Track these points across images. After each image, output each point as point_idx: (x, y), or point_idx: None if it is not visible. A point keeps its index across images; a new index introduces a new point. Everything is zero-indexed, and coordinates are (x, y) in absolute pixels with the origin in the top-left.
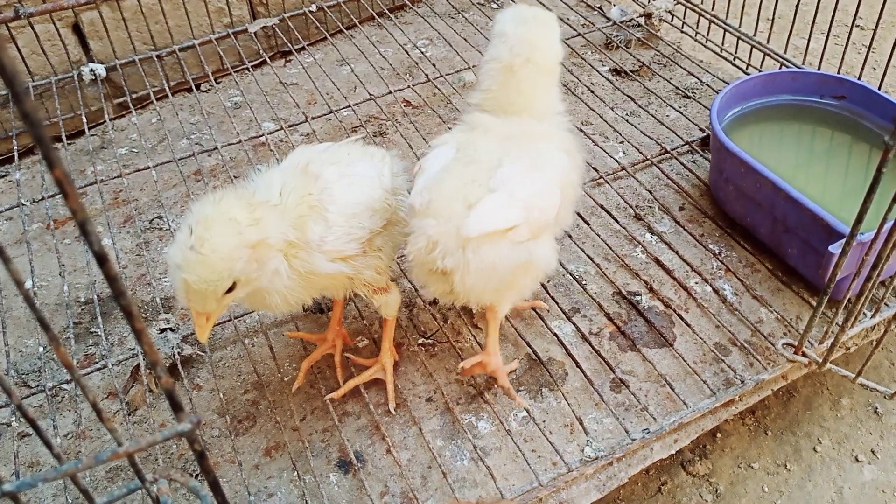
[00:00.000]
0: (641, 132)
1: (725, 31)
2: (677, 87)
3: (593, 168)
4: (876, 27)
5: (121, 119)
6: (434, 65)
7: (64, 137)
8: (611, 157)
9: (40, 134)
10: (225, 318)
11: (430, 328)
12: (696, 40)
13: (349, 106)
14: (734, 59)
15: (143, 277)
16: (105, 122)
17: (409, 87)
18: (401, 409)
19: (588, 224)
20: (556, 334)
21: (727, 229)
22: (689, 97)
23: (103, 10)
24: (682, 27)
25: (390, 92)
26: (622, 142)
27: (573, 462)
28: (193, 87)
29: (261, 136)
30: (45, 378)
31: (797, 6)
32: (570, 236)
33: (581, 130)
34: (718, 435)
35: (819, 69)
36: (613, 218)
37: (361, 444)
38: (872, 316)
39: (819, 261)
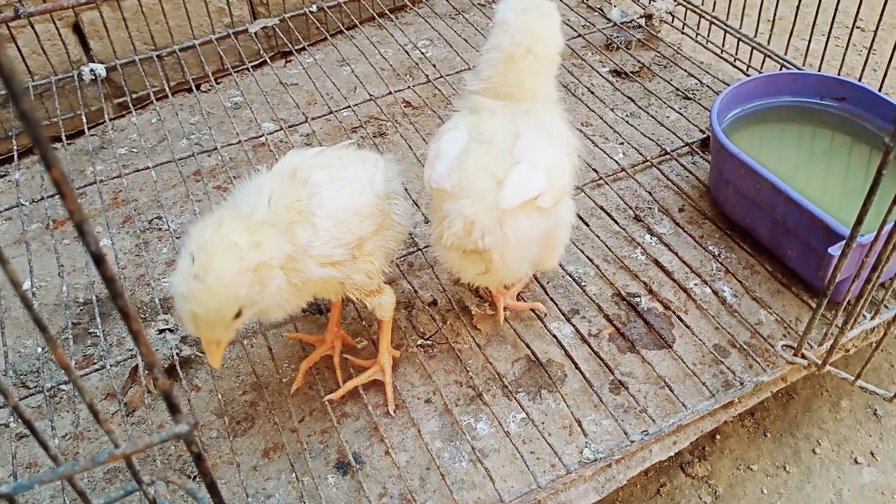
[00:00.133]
0: (641, 133)
1: (726, 32)
2: (677, 89)
3: (593, 169)
4: (877, 29)
5: (120, 119)
6: (434, 65)
7: (64, 137)
8: (611, 158)
9: (38, 134)
10: None
11: (428, 329)
12: (696, 41)
13: (349, 106)
14: (735, 61)
15: (142, 278)
16: (105, 122)
17: (409, 87)
18: (399, 410)
19: (588, 225)
20: (555, 336)
21: (727, 231)
22: (689, 98)
23: (104, 10)
24: (683, 28)
25: (390, 92)
26: (622, 143)
27: (572, 464)
28: (193, 88)
29: (261, 136)
30: (44, 379)
31: (798, 7)
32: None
33: (581, 131)
34: (718, 437)
35: (819, 70)
36: (613, 219)
37: (360, 446)
38: (872, 318)
39: (819, 262)
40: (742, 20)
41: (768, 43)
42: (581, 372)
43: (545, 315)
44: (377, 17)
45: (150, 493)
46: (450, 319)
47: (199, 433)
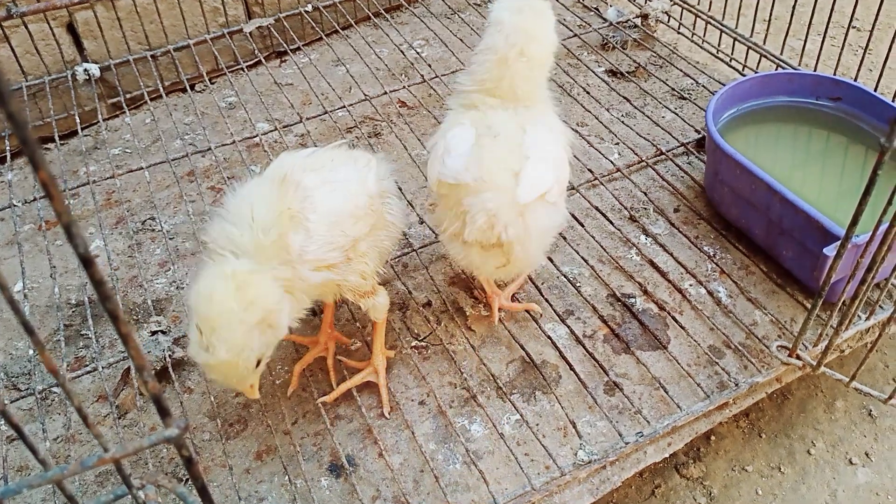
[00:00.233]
0: (637, 133)
1: (722, 32)
2: (673, 89)
3: (588, 169)
4: (872, 28)
5: (114, 119)
6: (430, 65)
7: (57, 137)
8: (606, 158)
9: (25, 135)
10: None
11: (423, 330)
12: (692, 41)
13: (344, 107)
14: (730, 61)
15: (135, 279)
16: (98, 122)
17: (404, 87)
18: (393, 412)
19: (582, 226)
20: (549, 337)
21: (722, 231)
22: (684, 98)
23: (98, 10)
24: (679, 28)
25: (385, 93)
26: (617, 143)
27: (566, 466)
28: (188, 88)
29: (255, 136)
30: (35, 381)
31: (794, 7)
32: (564, 238)
33: (576, 131)
34: (712, 438)
35: (815, 70)
36: (608, 220)
37: (353, 448)
38: (867, 319)
39: (814, 263)
40: (738, 20)
41: (764, 43)
42: (575, 373)
43: (540, 316)
44: (372, 17)
45: (140, 496)
46: (444, 321)
47: (191, 436)
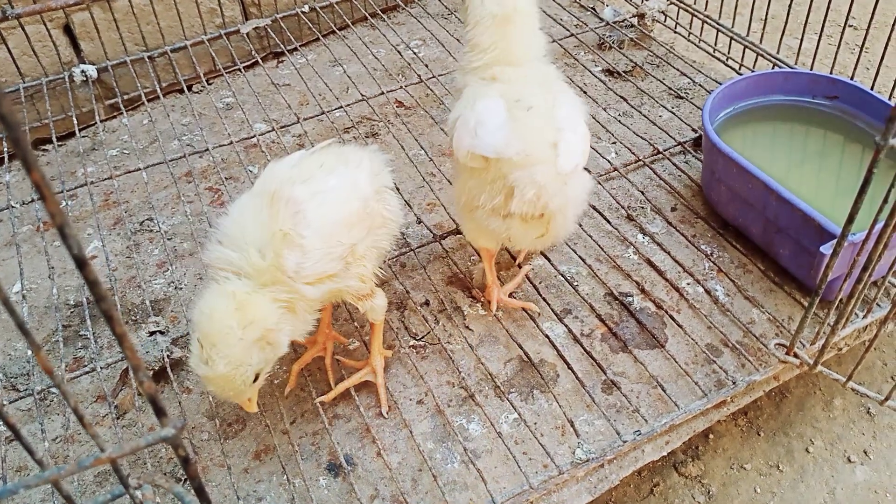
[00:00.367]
0: (634, 133)
1: (718, 31)
2: (670, 88)
3: (585, 169)
4: (868, 27)
5: (112, 120)
6: (427, 65)
7: (55, 139)
8: (603, 157)
9: (18, 136)
10: None
11: (421, 330)
12: (689, 40)
13: (341, 107)
14: (727, 60)
15: (133, 280)
16: (96, 123)
17: (401, 87)
18: (391, 411)
19: (580, 225)
20: (547, 336)
21: (719, 230)
22: (681, 97)
23: (94, 11)
24: (675, 27)
25: (383, 93)
26: (614, 142)
27: (564, 464)
28: (185, 89)
29: (252, 137)
30: (34, 382)
31: (790, 6)
32: None
33: None
34: (711, 436)
35: (812, 69)
36: (605, 219)
37: (352, 447)
38: (864, 317)
39: (811, 261)
40: (734, 19)
41: (760, 42)
42: (573, 372)
43: (538, 315)
44: (369, 18)
45: (137, 496)
46: (442, 320)
47: (189, 435)
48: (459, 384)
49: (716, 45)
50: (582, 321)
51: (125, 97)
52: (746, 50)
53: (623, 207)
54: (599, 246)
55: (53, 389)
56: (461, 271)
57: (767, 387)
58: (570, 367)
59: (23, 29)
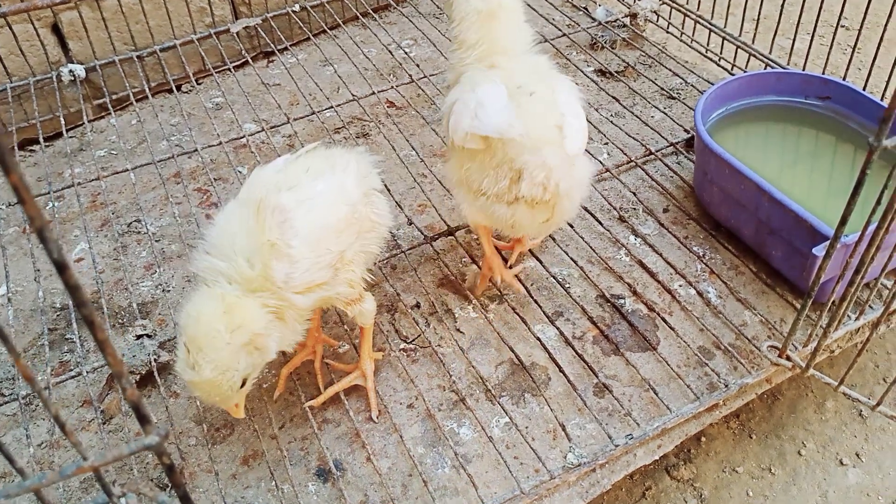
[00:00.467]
0: (626, 133)
1: (711, 31)
2: (662, 88)
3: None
4: (861, 27)
5: (100, 121)
6: (418, 65)
7: (42, 139)
8: (595, 158)
9: None
10: None
11: (411, 333)
12: (681, 41)
13: (332, 107)
14: (719, 60)
15: (121, 282)
16: (84, 123)
17: (392, 87)
18: (381, 416)
19: (572, 226)
20: (539, 338)
21: (711, 231)
22: (673, 98)
23: (83, 10)
24: (668, 27)
25: (374, 93)
26: (606, 143)
27: (556, 469)
28: (174, 88)
29: (242, 137)
30: (19, 386)
31: (782, 6)
32: (553, 238)
33: None
34: (703, 439)
35: (804, 69)
36: (597, 220)
37: (341, 452)
38: (857, 319)
39: (803, 263)
40: (727, 19)
41: (753, 42)
42: (565, 375)
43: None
44: (360, 17)
45: None
46: (433, 323)
47: (176, 440)
48: (450, 388)
49: (708, 45)
50: (574, 323)
51: (113, 97)
52: (739, 50)
53: (615, 209)
54: (591, 247)
55: None
56: (452, 273)
57: (760, 389)
58: (561, 371)
59: (10, 28)
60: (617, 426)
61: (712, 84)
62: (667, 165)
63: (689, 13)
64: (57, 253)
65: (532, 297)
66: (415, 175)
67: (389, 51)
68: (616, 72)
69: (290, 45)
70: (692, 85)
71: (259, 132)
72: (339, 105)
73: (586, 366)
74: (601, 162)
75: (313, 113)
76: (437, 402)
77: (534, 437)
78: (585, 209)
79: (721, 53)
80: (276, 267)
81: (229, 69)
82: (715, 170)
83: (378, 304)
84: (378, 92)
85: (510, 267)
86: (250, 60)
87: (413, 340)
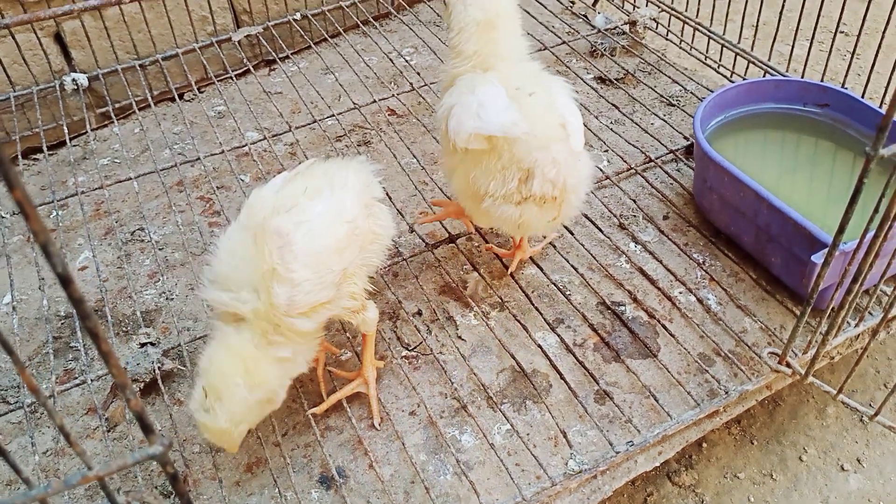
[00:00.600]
0: (626, 141)
1: (710, 38)
2: (662, 95)
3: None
4: (859, 34)
5: (103, 129)
6: (419, 73)
7: (45, 148)
8: (595, 165)
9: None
10: (206, 331)
11: (413, 340)
12: (680, 48)
13: (333, 115)
14: (718, 67)
15: (124, 291)
16: (87, 132)
17: (393, 95)
18: (383, 423)
19: (572, 234)
20: (540, 345)
21: (711, 238)
22: (673, 105)
23: (85, 20)
24: (667, 35)
25: (374, 101)
26: (606, 150)
27: (557, 476)
28: (176, 97)
29: (244, 145)
30: (24, 394)
31: (781, 13)
32: (553, 246)
33: None
34: (704, 445)
35: (803, 76)
36: (597, 227)
37: (344, 460)
38: (856, 325)
39: (802, 270)
40: (726, 26)
41: (752, 49)
42: (566, 382)
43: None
44: (361, 25)
45: None
46: (434, 330)
47: (180, 448)
48: (452, 395)
49: (707, 52)
50: (574, 331)
51: (116, 105)
52: (738, 57)
53: (615, 216)
54: (592, 255)
55: None
56: (453, 281)
57: (760, 396)
58: (562, 377)
59: (13, 37)
60: (618, 433)
61: (711, 91)
62: (666, 173)
63: (688, 20)
64: (61, 267)
65: (533, 305)
66: (416, 183)
67: (390, 59)
68: (616, 79)
69: (292, 54)
70: (691, 92)
71: (261, 140)
72: (341, 113)
73: (587, 373)
74: (601, 169)
75: (315, 121)
76: (438, 409)
77: (535, 443)
78: (586, 216)
79: (720, 60)
80: (278, 292)
81: (231, 77)
82: (714, 177)
83: (380, 311)
84: (379, 100)
85: (511, 274)
86: (252, 69)
87: (415, 348)
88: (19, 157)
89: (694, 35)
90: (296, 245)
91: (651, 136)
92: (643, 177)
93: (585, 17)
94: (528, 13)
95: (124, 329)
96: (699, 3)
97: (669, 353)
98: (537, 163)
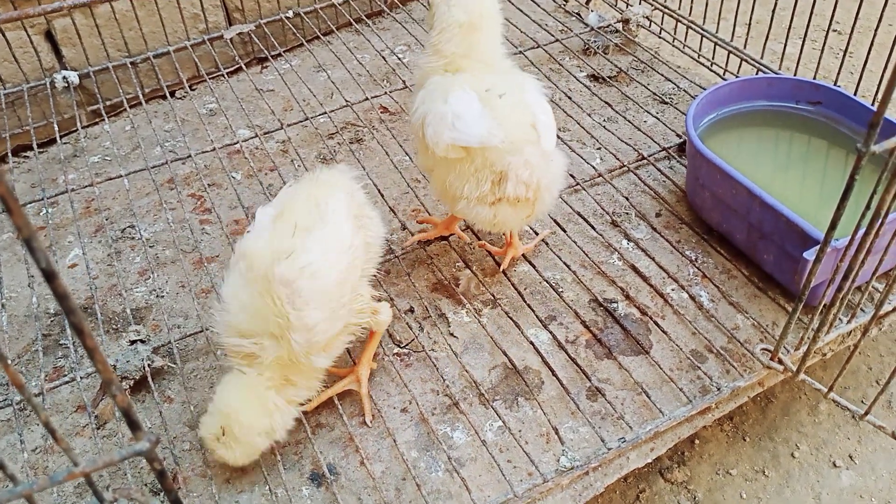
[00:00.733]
0: (619, 138)
1: (703, 36)
2: (654, 93)
3: (570, 174)
4: (852, 31)
5: (94, 127)
6: (411, 71)
7: (35, 145)
8: (588, 163)
9: None
10: (197, 328)
11: (405, 337)
12: (673, 46)
13: (325, 113)
14: (711, 65)
15: (114, 288)
16: (78, 129)
17: (386, 93)
18: (375, 420)
19: (565, 231)
20: (532, 342)
21: (704, 235)
22: (666, 103)
23: (76, 17)
24: (660, 33)
25: (367, 98)
26: (599, 148)
27: (549, 472)
28: (168, 95)
29: (235, 143)
30: (13, 391)
31: (774, 11)
32: (546, 243)
33: (558, 137)
34: (696, 441)
35: (796, 74)
36: (590, 225)
37: (335, 457)
38: (848, 322)
39: (794, 267)
40: (718, 24)
41: (745, 47)
42: (558, 379)
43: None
44: (354, 23)
45: None
46: (426, 327)
47: (171, 446)
48: (444, 392)
49: (700, 50)
50: (567, 327)
51: (107, 103)
52: (730, 55)
53: (608, 213)
54: (584, 252)
55: (33, 399)
56: (446, 278)
57: (752, 392)
58: (554, 374)
59: (3, 35)
60: (610, 429)
61: (704, 89)
62: (659, 170)
63: (681, 18)
64: (45, 262)
65: (525, 302)
66: (408, 180)
67: (383, 56)
68: (609, 77)
69: (284, 51)
70: (684, 90)
71: (253, 138)
72: (333, 111)
73: (579, 369)
74: (594, 167)
75: (307, 119)
76: (430, 406)
77: (527, 440)
78: (578, 214)
79: (713, 58)
80: (296, 339)
81: (223, 75)
82: (707, 174)
83: (391, 314)
84: (372, 97)
85: (503, 272)
86: (244, 66)
87: (407, 345)
88: (9, 154)
89: (687, 33)
90: (304, 291)
91: (644, 133)
92: (636, 174)
93: (579, 14)
94: (522, 11)
95: (114, 326)
96: (692, 2)
97: (662, 349)
98: (510, 166)
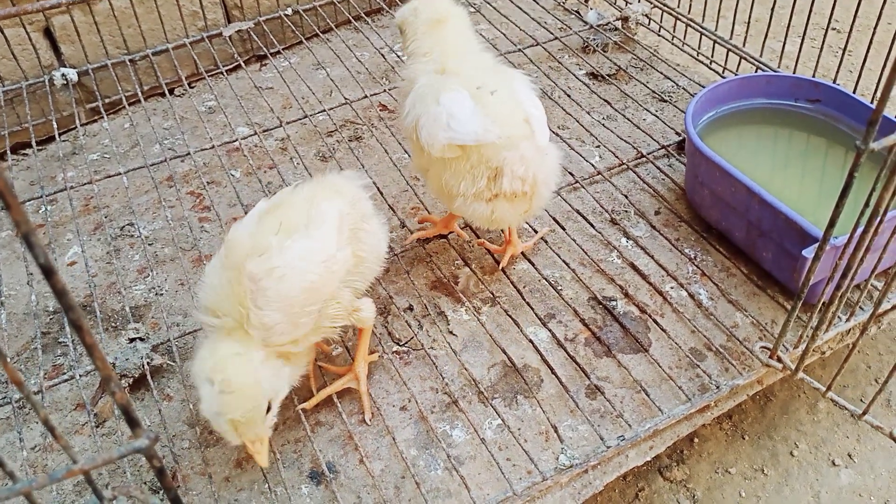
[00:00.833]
0: (618, 136)
1: (702, 34)
2: (654, 91)
3: (569, 172)
4: (851, 29)
5: (93, 124)
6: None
7: (34, 143)
8: (587, 161)
9: None
10: (196, 326)
11: (404, 335)
12: (672, 44)
13: (325, 110)
14: (710, 63)
15: (114, 286)
16: (76, 127)
17: (385, 91)
18: (374, 418)
19: (564, 229)
20: (531, 340)
21: (703, 233)
22: (665, 101)
23: (75, 14)
24: (659, 31)
25: (366, 96)
26: (598, 146)
27: (548, 470)
28: (167, 92)
29: (235, 141)
30: (12, 390)
31: (773, 9)
32: (545, 241)
33: (557, 135)
34: (696, 440)
35: (795, 72)
36: (589, 223)
37: (334, 455)
38: (847, 320)
39: (793, 265)
40: (717, 22)
41: (744, 45)
42: (557, 377)
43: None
44: (353, 21)
45: None
46: (426, 325)
47: (170, 444)
48: (443, 390)
49: (699, 48)
50: (566, 326)
51: (106, 101)
52: (729, 53)
53: (607, 211)
54: (583, 250)
55: (33, 397)
56: (445, 276)
57: (751, 391)
58: (553, 372)
59: (2, 32)
60: (609, 428)
61: (703, 87)
62: (658, 168)
63: (680, 16)
64: (43, 258)
65: (524, 300)
66: (407, 178)
67: (382, 54)
68: (608, 75)
69: (283, 49)
70: (683, 88)
71: (252, 136)
72: (332, 108)
73: (578, 367)
74: (593, 165)
75: (306, 116)
76: (429, 404)
77: (526, 438)
78: (577, 212)
79: (712, 56)
80: (254, 333)
81: (222, 73)
82: (706, 172)
83: (375, 311)
84: (371, 95)
85: (502, 270)
86: (243, 64)
87: (406, 343)
88: (8, 152)
89: (686, 31)
90: (268, 291)
91: (643, 131)
92: (635, 172)
93: (578, 12)
94: (521, 9)
95: (113, 324)
96: (691, 0)
97: (661, 347)
98: (506, 161)
